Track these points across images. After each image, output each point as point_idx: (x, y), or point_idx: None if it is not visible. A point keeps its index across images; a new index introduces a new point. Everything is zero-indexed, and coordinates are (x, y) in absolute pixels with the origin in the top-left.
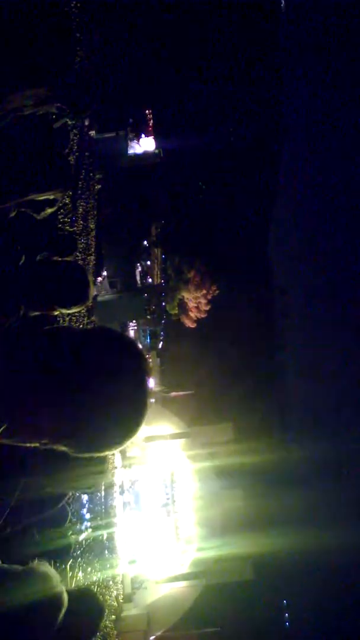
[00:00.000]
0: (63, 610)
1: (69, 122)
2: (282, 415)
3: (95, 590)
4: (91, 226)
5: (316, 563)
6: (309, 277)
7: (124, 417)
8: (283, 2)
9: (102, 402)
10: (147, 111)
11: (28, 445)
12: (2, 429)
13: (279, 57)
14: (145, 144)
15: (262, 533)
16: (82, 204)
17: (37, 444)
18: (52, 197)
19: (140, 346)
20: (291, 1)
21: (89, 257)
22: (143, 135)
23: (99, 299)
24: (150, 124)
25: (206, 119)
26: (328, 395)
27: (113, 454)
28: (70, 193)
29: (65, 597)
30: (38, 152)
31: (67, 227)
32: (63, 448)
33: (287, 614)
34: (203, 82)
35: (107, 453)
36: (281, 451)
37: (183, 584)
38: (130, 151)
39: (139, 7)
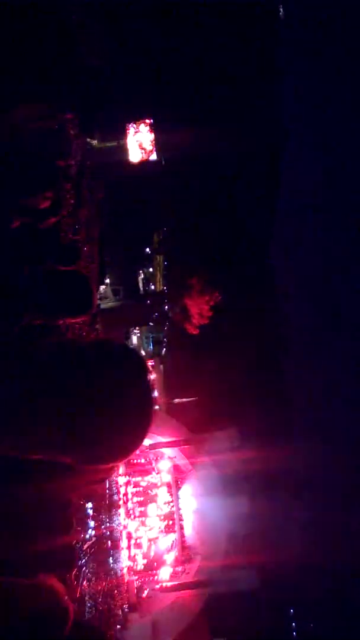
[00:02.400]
0: (69, 624)
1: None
2: (287, 420)
3: (100, 599)
4: (94, 234)
5: (323, 571)
6: (313, 282)
7: (128, 430)
8: (282, 10)
9: (107, 415)
10: (148, 120)
11: (32, 457)
12: (7, 442)
13: (280, 63)
14: (147, 152)
15: (268, 541)
16: (84, 212)
17: (41, 456)
18: (45, 199)
19: (143, 353)
20: (290, 11)
21: (91, 265)
22: (144, 143)
23: (102, 306)
24: (152, 132)
25: (208, 126)
26: (334, 400)
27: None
28: (73, 202)
29: (72, 611)
30: (30, 160)
31: (70, 236)
32: (67, 460)
33: (294, 623)
34: (205, 89)
35: (111, 465)
36: (287, 457)
37: (188, 592)
38: (132, 159)
39: (139, 15)
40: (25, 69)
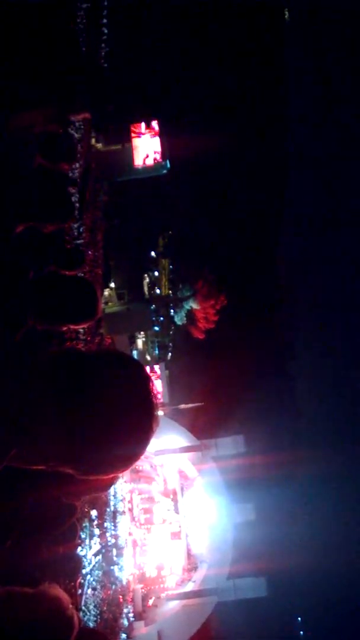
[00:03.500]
0: (74, 633)
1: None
2: (294, 425)
3: (105, 607)
4: (98, 238)
5: (331, 579)
6: (321, 284)
7: (130, 442)
8: (287, 14)
9: (109, 427)
10: (154, 122)
11: (34, 467)
12: (11, 453)
13: (283, 62)
14: (152, 155)
15: (275, 548)
16: (89, 216)
17: (44, 467)
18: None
19: (148, 358)
20: (295, 15)
21: (96, 269)
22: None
23: (107, 310)
24: (158, 135)
25: (213, 128)
26: (340, 405)
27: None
28: (77, 205)
29: (76, 620)
30: (41, 179)
31: (75, 239)
32: (69, 470)
33: (301, 632)
34: (210, 92)
35: (112, 475)
36: (293, 464)
37: (195, 601)
38: (137, 162)
39: (145, 16)
40: (29, 71)
